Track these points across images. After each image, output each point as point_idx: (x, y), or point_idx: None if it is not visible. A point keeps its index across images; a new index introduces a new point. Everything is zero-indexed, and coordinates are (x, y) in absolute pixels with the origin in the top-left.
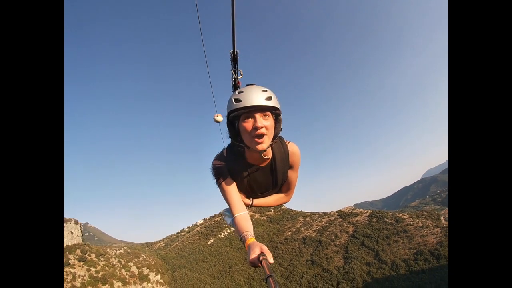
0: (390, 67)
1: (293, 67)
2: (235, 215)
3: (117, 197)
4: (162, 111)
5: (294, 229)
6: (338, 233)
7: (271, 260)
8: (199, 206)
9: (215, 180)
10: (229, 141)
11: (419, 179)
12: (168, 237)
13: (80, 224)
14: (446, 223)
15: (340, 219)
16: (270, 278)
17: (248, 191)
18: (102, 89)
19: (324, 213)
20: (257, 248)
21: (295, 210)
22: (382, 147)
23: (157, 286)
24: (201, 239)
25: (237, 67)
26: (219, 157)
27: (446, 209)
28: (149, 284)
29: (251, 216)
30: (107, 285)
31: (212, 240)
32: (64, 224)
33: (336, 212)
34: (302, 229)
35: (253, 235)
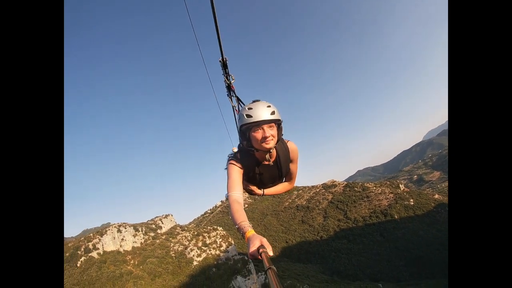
0: (392, 29)
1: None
2: (230, 193)
3: (130, 193)
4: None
5: (290, 200)
6: (321, 200)
7: (271, 253)
8: (214, 188)
9: (226, 168)
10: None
11: (419, 141)
12: (196, 220)
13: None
14: (403, 190)
15: (324, 190)
16: (269, 271)
17: (260, 183)
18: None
19: (312, 186)
20: (257, 241)
21: None
22: (385, 109)
23: (222, 231)
24: (224, 216)
25: (228, 72)
26: (235, 158)
27: (435, 172)
28: (218, 231)
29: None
30: (200, 237)
31: None
32: (166, 217)
33: (321, 185)
34: (296, 199)
35: (251, 226)
